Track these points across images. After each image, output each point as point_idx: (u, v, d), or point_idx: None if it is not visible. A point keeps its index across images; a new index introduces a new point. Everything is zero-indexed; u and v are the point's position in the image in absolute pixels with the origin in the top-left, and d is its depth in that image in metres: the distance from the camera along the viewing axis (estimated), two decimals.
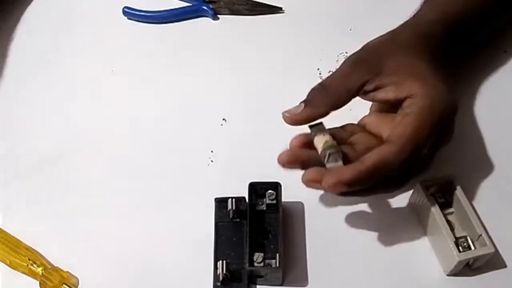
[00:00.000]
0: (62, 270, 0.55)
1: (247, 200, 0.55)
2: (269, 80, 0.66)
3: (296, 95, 0.63)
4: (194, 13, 0.71)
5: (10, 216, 0.58)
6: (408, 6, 0.64)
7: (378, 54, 0.54)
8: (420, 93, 0.51)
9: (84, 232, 0.57)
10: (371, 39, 0.61)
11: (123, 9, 0.71)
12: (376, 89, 0.53)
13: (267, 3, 0.71)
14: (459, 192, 0.54)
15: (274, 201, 0.55)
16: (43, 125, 0.63)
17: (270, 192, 0.55)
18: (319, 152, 0.51)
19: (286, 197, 0.55)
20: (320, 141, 0.51)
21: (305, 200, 0.58)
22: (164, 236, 0.57)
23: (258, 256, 0.52)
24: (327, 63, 0.65)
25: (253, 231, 0.54)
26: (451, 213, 0.55)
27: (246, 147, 0.61)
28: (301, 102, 0.53)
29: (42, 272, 0.54)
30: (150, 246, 0.57)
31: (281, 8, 0.71)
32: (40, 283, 0.54)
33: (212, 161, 0.61)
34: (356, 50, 0.58)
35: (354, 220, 0.57)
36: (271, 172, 0.58)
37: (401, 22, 0.60)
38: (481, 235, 0.52)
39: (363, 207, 0.58)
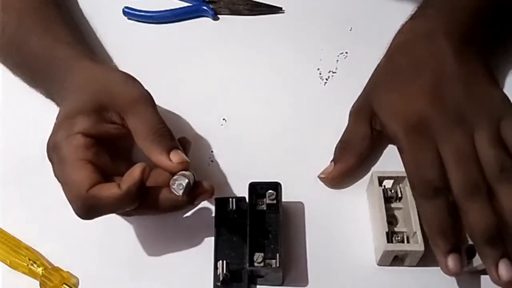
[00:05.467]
0: (62, 270, 0.55)
1: (247, 200, 0.55)
2: (269, 80, 0.66)
3: (296, 95, 0.64)
4: (194, 13, 0.71)
5: (10, 216, 0.58)
6: (408, 6, 0.64)
7: (365, 97, 0.59)
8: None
9: (84, 232, 0.57)
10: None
11: (123, 9, 0.71)
12: (382, 125, 0.56)
13: (267, 3, 0.71)
14: (408, 189, 0.54)
15: (274, 201, 0.55)
16: (43, 124, 0.63)
17: (270, 192, 0.55)
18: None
19: (286, 197, 0.55)
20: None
21: (305, 200, 0.58)
22: (164, 235, 0.57)
23: (258, 256, 0.52)
24: (327, 63, 0.65)
25: (253, 231, 0.54)
26: (399, 208, 0.55)
27: (246, 147, 0.61)
28: (331, 162, 0.59)
29: (42, 272, 0.54)
30: (150, 246, 0.57)
31: (281, 8, 0.71)
32: (40, 283, 0.54)
33: (212, 161, 0.61)
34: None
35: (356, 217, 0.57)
36: (271, 172, 0.58)
37: (401, 22, 0.61)
38: (415, 232, 0.52)
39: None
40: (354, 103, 0.60)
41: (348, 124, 0.60)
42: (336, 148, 0.59)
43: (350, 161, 0.58)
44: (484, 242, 0.49)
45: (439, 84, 0.54)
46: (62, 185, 0.52)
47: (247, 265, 0.52)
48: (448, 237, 0.50)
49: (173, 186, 0.52)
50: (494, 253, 0.48)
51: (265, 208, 0.56)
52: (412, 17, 0.60)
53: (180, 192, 0.51)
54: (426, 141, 0.52)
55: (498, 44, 0.62)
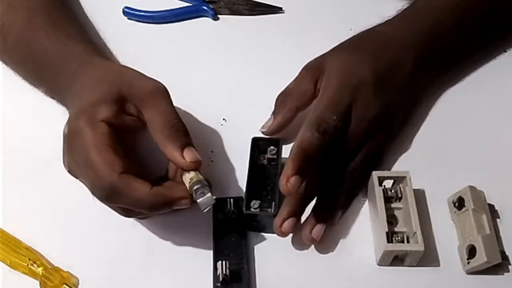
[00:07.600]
0: (62, 270, 0.55)
1: (249, 155, 0.57)
2: (269, 80, 0.65)
3: None
4: (194, 13, 0.72)
5: (10, 216, 0.58)
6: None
7: (322, 56, 0.61)
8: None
9: (84, 232, 0.58)
10: None
11: (123, 9, 0.71)
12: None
13: (267, 3, 0.71)
14: (408, 189, 0.55)
15: (275, 156, 0.57)
16: (43, 124, 0.63)
17: (271, 148, 0.57)
18: (188, 189, 0.52)
19: (286, 154, 0.56)
20: (186, 179, 0.52)
21: None
22: (163, 236, 0.57)
23: (255, 203, 0.54)
24: None
25: (252, 180, 0.56)
26: (399, 208, 0.56)
27: (246, 147, 0.61)
28: (271, 115, 0.60)
29: (42, 272, 0.54)
30: (150, 246, 0.57)
31: (281, 8, 0.71)
32: (40, 283, 0.54)
33: (212, 161, 0.61)
34: None
35: None
36: None
37: None
38: (415, 232, 0.53)
39: None
40: (310, 61, 0.61)
41: (295, 78, 0.61)
42: (276, 99, 0.60)
43: (287, 115, 0.59)
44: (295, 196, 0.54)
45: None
46: (84, 169, 0.52)
47: (244, 209, 0.53)
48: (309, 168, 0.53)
49: (198, 200, 0.51)
50: (294, 209, 0.54)
51: (265, 163, 0.57)
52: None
53: (203, 205, 0.52)
54: (347, 98, 0.56)
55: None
